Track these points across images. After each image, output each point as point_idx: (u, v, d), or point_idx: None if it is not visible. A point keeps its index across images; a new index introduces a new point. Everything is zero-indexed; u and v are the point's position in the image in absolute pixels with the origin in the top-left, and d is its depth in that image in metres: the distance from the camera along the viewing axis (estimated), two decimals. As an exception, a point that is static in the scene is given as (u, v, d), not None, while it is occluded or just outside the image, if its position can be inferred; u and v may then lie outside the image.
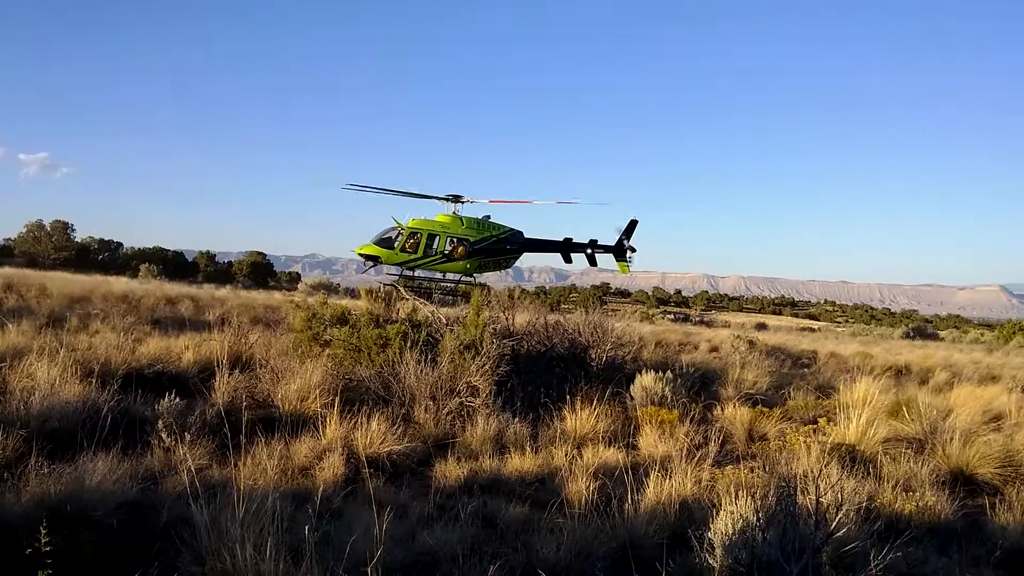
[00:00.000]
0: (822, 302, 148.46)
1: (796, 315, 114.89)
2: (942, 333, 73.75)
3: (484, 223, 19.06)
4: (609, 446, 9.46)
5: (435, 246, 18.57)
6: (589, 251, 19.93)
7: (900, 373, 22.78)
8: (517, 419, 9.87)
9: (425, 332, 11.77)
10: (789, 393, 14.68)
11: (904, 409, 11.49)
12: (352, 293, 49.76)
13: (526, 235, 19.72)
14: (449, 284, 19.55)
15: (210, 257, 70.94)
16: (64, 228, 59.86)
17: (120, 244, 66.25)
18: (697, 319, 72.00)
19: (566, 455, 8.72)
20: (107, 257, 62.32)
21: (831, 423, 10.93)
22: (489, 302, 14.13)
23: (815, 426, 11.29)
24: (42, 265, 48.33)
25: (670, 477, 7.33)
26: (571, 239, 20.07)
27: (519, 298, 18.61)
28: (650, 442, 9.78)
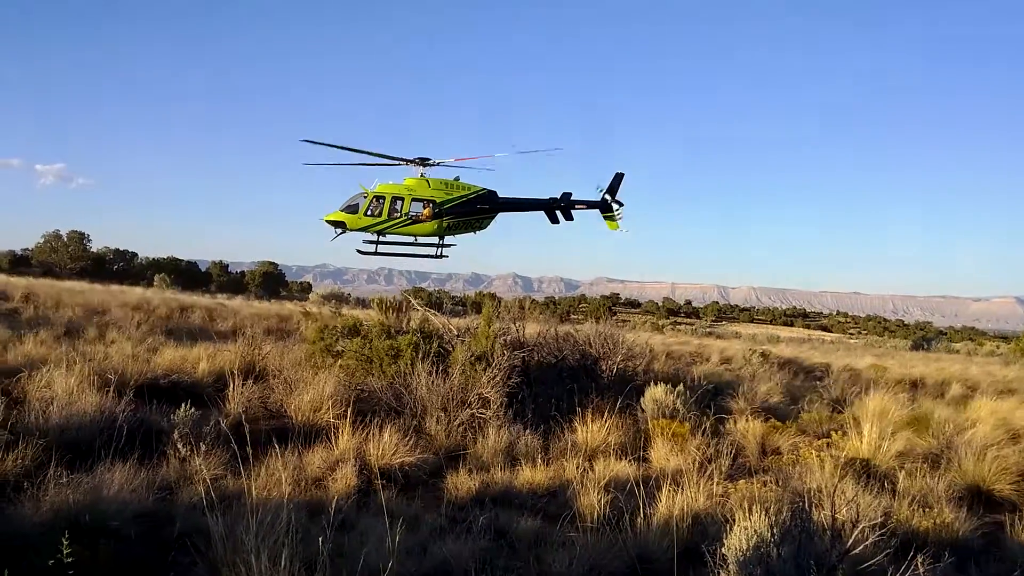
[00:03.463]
0: (834, 313, 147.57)
1: (808, 326, 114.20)
2: (956, 345, 73.10)
3: (452, 184, 18.90)
4: (620, 459, 9.44)
5: (400, 208, 18.42)
6: (563, 205, 19.53)
7: (915, 386, 22.63)
8: (528, 431, 9.87)
9: (436, 343, 11.81)
10: (802, 406, 14.60)
11: (919, 423, 11.42)
12: (363, 303, 49.91)
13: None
14: (421, 247, 19.33)
15: (223, 267, 71.32)
16: (80, 238, 60.30)
17: (135, 254, 66.70)
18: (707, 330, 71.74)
19: (577, 467, 8.71)
20: (122, 267, 62.70)
21: (845, 437, 10.87)
22: (500, 313, 14.13)
23: (829, 440, 11.22)
24: (59, 275, 48.69)
25: (682, 491, 7.31)
26: (555, 198, 19.59)
27: (529, 308, 18.55)
28: (662, 455, 9.76)
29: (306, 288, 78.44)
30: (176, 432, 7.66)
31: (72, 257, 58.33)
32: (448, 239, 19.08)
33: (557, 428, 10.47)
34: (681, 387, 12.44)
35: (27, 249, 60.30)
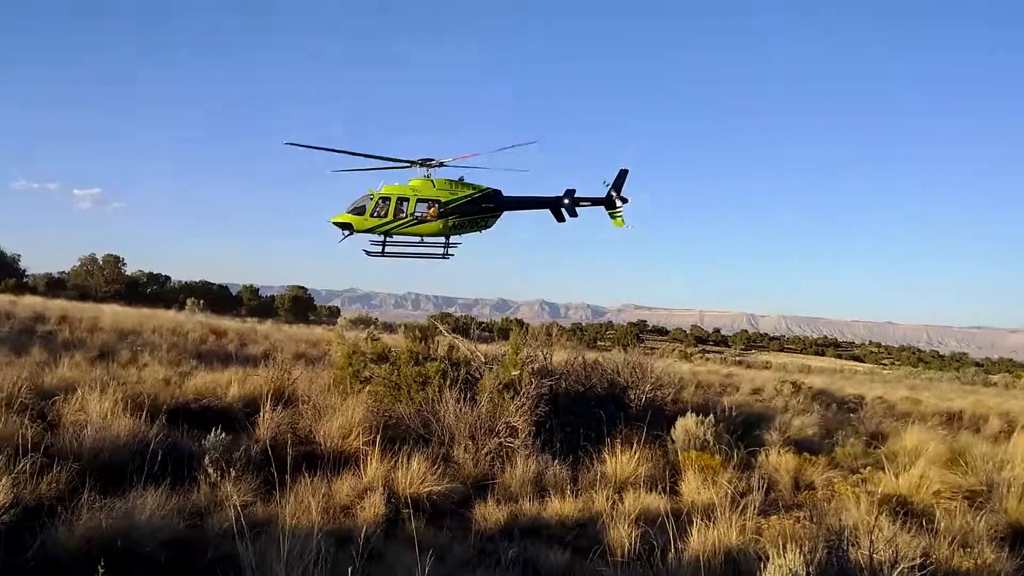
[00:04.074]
0: (867, 343, 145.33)
1: (840, 356, 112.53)
2: (993, 377, 71.46)
3: (457, 183, 19.01)
4: (650, 491, 9.30)
5: (406, 209, 18.57)
6: (566, 202, 19.50)
7: (951, 420, 22.13)
8: (556, 461, 9.79)
9: (464, 370, 11.79)
10: (836, 440, 14.31)
11: (958, 459, 11.14)
12: (390, 328, 50.09)
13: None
14: (428, 247, 19.44)
15: (253, 291, 72.22)
16: (116, 262, 61.47)
17: (168, 278, 67.82)
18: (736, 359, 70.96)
19: (607, 499, 8.62)
20: (155, 290, 63.74)
21: (881, 472, 10.63)
22: (527, 340, 14.08)
23: (864, 476, 10.98)
24: (94, 297, 49.60)
25: (714, 526, 7.18)
26: (559, 196, 19.59)
27: (556, 335, 18.47)
28: (692, 488, 9.61)
29: (335, 312, 79.11)
30: (207, 457, 7.71)
31: (107, 280, 59.43)
32: (454, 238, 19.22)
33: (586, 458, 10.38)
34: (711, 418, 12.28)
35: (64, 272, 61.57)
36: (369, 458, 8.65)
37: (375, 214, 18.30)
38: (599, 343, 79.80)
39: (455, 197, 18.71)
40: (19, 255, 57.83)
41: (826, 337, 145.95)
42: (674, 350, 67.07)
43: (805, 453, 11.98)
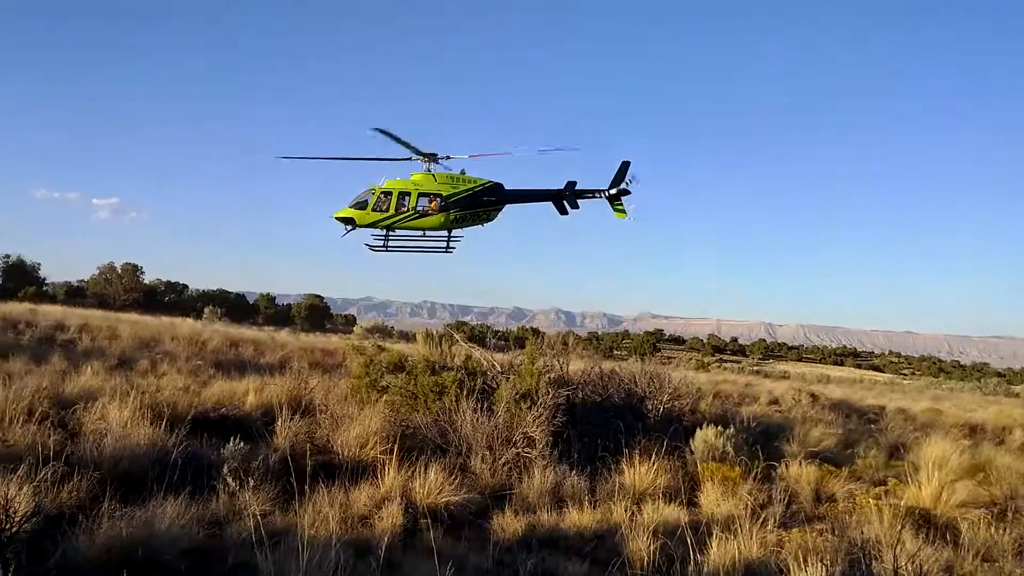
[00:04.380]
0: (886, 353, 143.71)
1: (859, 366, 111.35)
2: (1016, 388, 70.51)
3: (458, 177, 19.06)
4: (669, 502, 9.25)
5: (407, 203, 18.63)
6: (567, 194, 19.48)
7: (973, 431, 21.83)
8: (574, 471, 9.75)
9: (481, 380, 11.78)
10: (857, 451, 14.15)
11: (981, 471, 10.98)
12: (406, 336, 50.23)
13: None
14: (430, 240, 19.50)
15: (270, 300, 72.62)
16: (134, 270, 62.03)
17: (185, 286, 68.33)
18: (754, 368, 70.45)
19: (625, 511, 8.55)
20: (173, 298, 64.25)
21: (903, 485, 10.50)
22: (543, 349, 14.05)
23: (886, 488, 10.85)
24: (112, 306, 50.04)
25: (734, 538, 7.12)
26: (560, 189, 19.58)
27: (572, 345, 18.43)
28: (712, 500, 9.53)
29: (351, 321, 79.40)
30: (226, 466, 7.74)
31: (125, 289, 59.97)
32: (456, 232, 19.29)
33: (604, 469, 10.32)
34: (730, 429, 12.18)
35: (83, 280, 62.20)
36: (386, 468, 8.65)
37: (377, 208, 18.45)
38: (615, 352, 79.56)
39: (456, 191, 18.82)
40: (39, 264, 58.47)
41: (845, 347, 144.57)
42: (691, 359, 66.63)
43: (826, 465, 11.86)
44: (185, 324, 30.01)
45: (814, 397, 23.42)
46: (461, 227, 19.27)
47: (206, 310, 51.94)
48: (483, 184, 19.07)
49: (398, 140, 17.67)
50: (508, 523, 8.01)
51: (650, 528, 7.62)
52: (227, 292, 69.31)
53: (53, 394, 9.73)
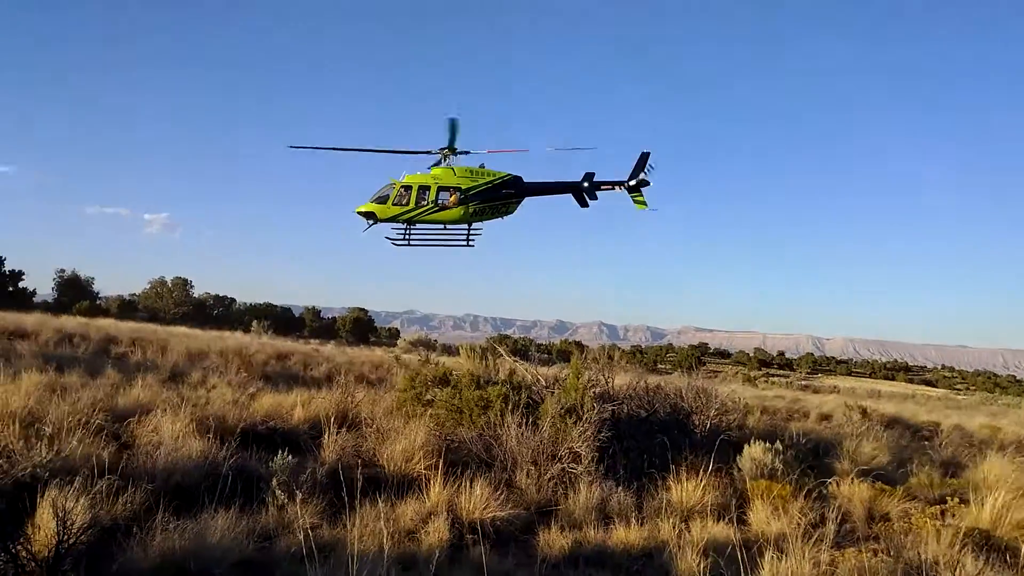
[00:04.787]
0: (939, 367, 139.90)
1: (911, 381, 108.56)
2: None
3: (478, 170, 19.15)
4: (717, 520, 9.07)
5: (427, 197, 18.76)
6: (586, 185, 19.38)
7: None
8: (620, 487, 9.65)
9: (525, 394, 11.74)
10: (911, 469, 13.75)
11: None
12: (449, 349, 50.44)
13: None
14: (451, 234, 19.61)
15: (315, 313, 73.64)
16: (184, 284, 63.49)
17: (233, 300, 69.69)
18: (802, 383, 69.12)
19: (673, 528, 8.42)
20: (221, 312, 65.57)
21: (961, 504, 10.16)
22: (587, 363, 13.96)
23: (943, 507, 10.51)
24: (163, 320, 51.25)
25: (786, 558, 6.95)
26: (579, 181, 19.53)
27: (617, 358, 18.29)
28: (762, 518, 9.33)
29: (394, 334, 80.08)
30: (275, 479, 7.83)
31: (176, 303, 61.38)
32: (476, 225, 19.38)
33: (650, 485, 10.20)
34: (779, 445, 11.95)
35: (135, 294, 63.82)
36: (432, 482, 8.67)
37: (397, 202, 18.70)
38: (659, 366, 78.90)
39: (475, 184, 18.98)
40: (93, 278, 60.11)
41: (896, 361, 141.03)
42: (737, 373, 65.73)
43: (879, 483, 11.54)
44: (233, 337, 30.57)
45: (865, 413, 22.84)
46: (481, 220, 19.44)
47: (253, 324, 52.83)
48: (502, 177, 19.22)
49: (453, 130, 17.91)
50: (554, 539, 7.94)
51: (699, 546, 7.49)
52: (273, 305, 70.51)
53: (107, 407, 9.93)
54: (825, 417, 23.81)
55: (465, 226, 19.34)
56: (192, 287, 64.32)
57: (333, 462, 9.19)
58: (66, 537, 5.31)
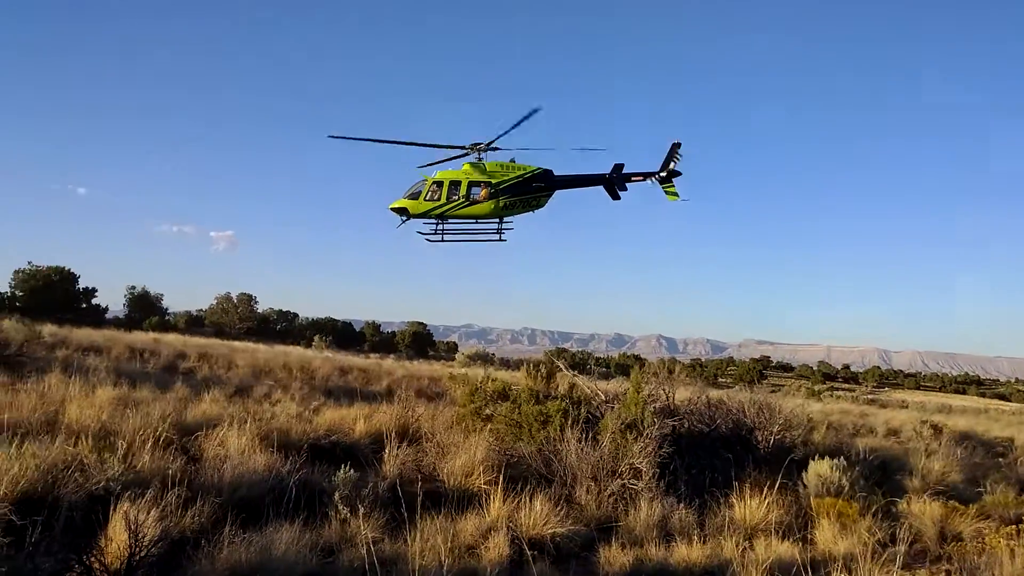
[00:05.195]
0: (1013, 380, 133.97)
1: (983, 395, 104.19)
2: None
3: (508, 164, 19.15)
4: (782, 539, 8.89)
5: (458, 192, 18.80)
6: (615, 176, 19.18)
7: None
8: (681, 504, 9.53)
9: (584, 409, 11.70)
10: (985, 487, 13.21)
11: None
12: (507, 363, 50.54)
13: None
14: (482, 227, 19.60)
15: (375, 327, 74.62)
16: (249, 300, 65.07)
17: (296, 315, 71.08)
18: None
19: (736, 546, 8.28)
20: (284, 327, 66.94)
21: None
22: (647, 377, 13.83)
23: (1018, 527, 10.07)
24: (228, 335, 52.63)
25: (855, 579, 6.76)
26: (608, 173, 19.36)
27: (677, 373, 18.10)
28: (828, 537, 9.10)
29: (452, 348, 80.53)
30: (337, 493, 7.96)
31: (241, 318, 62.90)
32: (508, 218, 19.42)
33: (712, 502, 10.04)
34: (845, 462, 11.63)
35: (201, 310, 65.68)
36: (492, 497, 8.69)
37: (428, 198, 18.90)
38: (720, 380, 77.50)
39: (506, 178, 19.08)
40: (162, 295, 62.04)
41: (967, 374, 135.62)
42: (800, 387, 64.12)
43: (951, 501, 11.13)
44: (295, 352, 31.23)
45: (936, 428, 22.06)
46: (512, 214, 19.52)
47: (315, 338, 53.85)
48: (532, 171, 19.30)
49: (517, 125, 18.10)
50: (615, 556, 7.88)
51: (763, 565, 7.34)
52: (334, 320, 71.65)
53: (176, 421, 10.22)
54: (893, 432, 23.09)
55: (496, 220, 19.51)
56: (256, 302, 65.88)
57: (394, 476, 9.29)
58: (137, 549, 5.48)
